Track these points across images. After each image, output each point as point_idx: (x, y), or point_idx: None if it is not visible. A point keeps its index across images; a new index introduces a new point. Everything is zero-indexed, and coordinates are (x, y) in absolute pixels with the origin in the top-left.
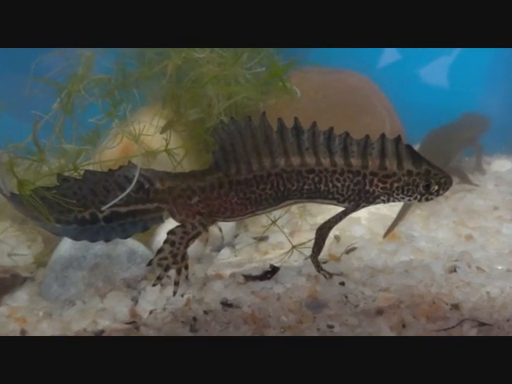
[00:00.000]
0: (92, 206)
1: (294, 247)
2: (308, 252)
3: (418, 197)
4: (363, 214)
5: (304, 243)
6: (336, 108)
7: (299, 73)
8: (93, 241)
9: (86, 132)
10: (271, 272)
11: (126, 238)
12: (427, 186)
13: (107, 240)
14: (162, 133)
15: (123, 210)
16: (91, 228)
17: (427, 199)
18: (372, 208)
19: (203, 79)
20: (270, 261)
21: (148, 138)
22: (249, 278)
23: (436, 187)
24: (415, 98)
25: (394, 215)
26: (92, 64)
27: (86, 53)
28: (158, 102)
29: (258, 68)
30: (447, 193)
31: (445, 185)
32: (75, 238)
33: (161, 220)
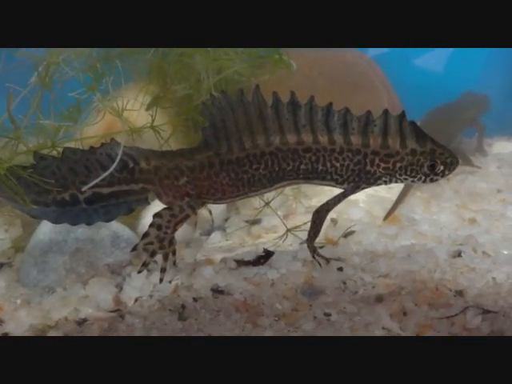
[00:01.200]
0: (72, 186)
1: (288, 231)
2: (304, 236)
3: (422, 178)
4: (361, 196)
5: (299, 226)
6: (332, 85)
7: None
8: (74, 224)
9: (66, 108)
10: (265, 257)
11: (108, 220)
12: (432, 167)
13: (89, 223)
14: (147, 109)
15: (106, 191)
16: (71, 210)
17: (432, 180)
18: (370, 190)
19: (191, 51)
20: (264, 245)
21: (133, 115)
22: (241, 263)
23: (441, 167)
24: (412, 81)
25: (394, 197)
26: None
27: None
28: (143, 76)
29: None
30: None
31: (451, 165)
32: (55, 220)
33: (146, 202)
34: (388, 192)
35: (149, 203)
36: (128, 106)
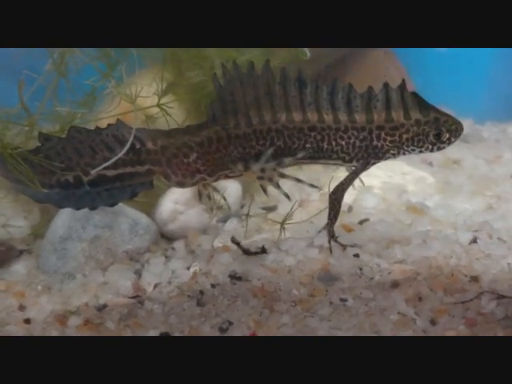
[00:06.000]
0: (77, 167)
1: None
2: (318, 222)
3: (430, 147)
4: (376, 182)
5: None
6: (338, 63)
7: None
8: (77, 208)
9: (81, 95)
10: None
11: (112, 205)
12: (438, 135)
13: (92, 207)
14: (162, 96)
15: (110, 173)
16: (75, 193)
17: (439, 148)
18: (385, 177)
19: None
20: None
21: (147, 102)
22: (247, 252)
23: (447, 135)
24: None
25: (408, 184)
26: None
27: None
28: (157, 63)
29: None
30: (462, 160)
31: (456, 131)
32: (58, 204)
33: (151, 185)
34: (402, 178)
35: (153, 187)
36: (142, 92)
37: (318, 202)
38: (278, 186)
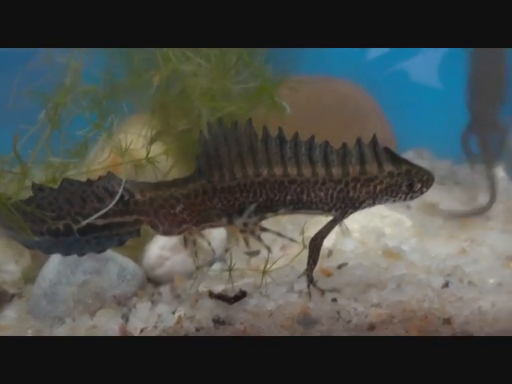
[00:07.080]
0: (67, 216)
1: (264, 273)
2: (299, 265)
3: (403, 196)
4: (355, 226)
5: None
6: (328, 117)
7: (290, 82)
8: (66, 254)
9: (74, 144)
10: (237, 297)
11: (100, 252)
12: (410, 185)
13: (81, 254)
14: (150, 144)
15: (100, 222)
16: (64, 241)
17: (411, 198)
18: (364, 221)
19: (191, 91)
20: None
21: (136, 151)
22: (221, 297)
23: (419, 185)
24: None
25: (387, 227)
26: (79, 75)
27: (73, 63)
28: (146, 111)
29: (248, 80)
30: (438, 203)
31: (427, 182)
32: (47, 250)
33: (138, 234)
34: (381, 221)
35: (140, 235)
36: (131, 140)
37: (300, 247)
38: (259, 239)
